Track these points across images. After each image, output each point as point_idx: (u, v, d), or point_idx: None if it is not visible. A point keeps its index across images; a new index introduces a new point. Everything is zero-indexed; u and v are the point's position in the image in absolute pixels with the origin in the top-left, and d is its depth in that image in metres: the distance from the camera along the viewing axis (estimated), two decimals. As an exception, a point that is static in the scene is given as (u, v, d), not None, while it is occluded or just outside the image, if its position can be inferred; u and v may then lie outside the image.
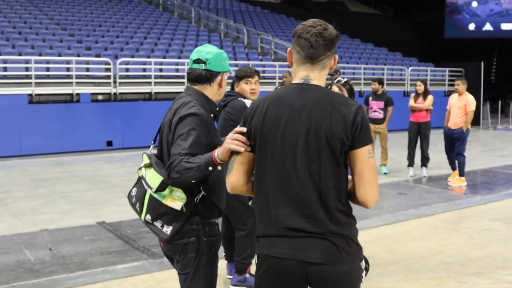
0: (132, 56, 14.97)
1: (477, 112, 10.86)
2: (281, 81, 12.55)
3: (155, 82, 14.11)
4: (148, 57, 15.11)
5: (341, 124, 2.04)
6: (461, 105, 8.81)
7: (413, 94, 9.82)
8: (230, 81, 4.67)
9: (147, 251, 5.40)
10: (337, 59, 2.24)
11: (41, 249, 5.48)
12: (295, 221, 2.07)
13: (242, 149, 2.19)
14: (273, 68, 16.67)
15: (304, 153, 2.07)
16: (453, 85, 9.35)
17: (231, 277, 4.57)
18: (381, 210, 7.02)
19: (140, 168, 2.72)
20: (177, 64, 15.07)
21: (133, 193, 2.82)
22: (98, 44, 15.50)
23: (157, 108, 12.92)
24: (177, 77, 14.82)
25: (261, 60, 17.95)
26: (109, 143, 13.09)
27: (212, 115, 2.78)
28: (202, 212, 2.68)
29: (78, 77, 13.14)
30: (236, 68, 4.68)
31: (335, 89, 4.29)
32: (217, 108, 2.90)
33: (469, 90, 9.11)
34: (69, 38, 15.65)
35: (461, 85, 8.86)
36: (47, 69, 13.05)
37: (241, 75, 4.37)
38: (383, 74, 18.69)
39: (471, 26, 30.26)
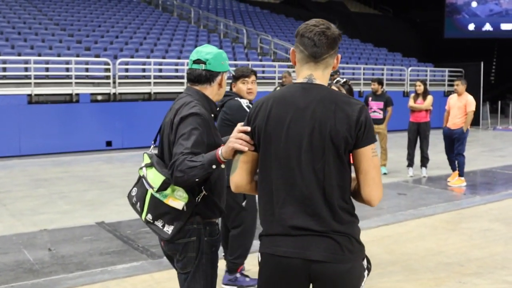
0: (132, 56, 14.97)
1: (476, 113, 10.87)
2: (280, 81, 12.55)
3: (154, 82, 14.11)
4: (148, 57, 15.11)
5: (345, 123, 2.06)
6: (461, 105, 8.81)
7: (412, 94, 9.81)
8: (230, 81, 4.68)
9: (146, 251, 5.40)
10: (340, 59, 2.25)
11: (41, 249, 5.48)
12: (299, 219, 2.08)
13: (246, 148, 2.20)
14: (272, 68, 16.66)
15: (309, 152, 2.08)
16: (452, 85, 9.35)
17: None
18: (380, 211, 7.01)
19: (141, 168, 2.72)
20: (176, 64, 15.07)
21: (133, 193, 2.82)
22: (97, 44, 15.50)
23: (156, 108, 12.93)
24: (177, 77, 14.82)
25: (260, 60, 17.95)
26: (109, 143, 13.09)
27: (212, 115, 2.79)
28: (203, 211, 2.69)
29: (77, 77, 13.14)
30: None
31: (334, 89, 4.29)
32: (217, 108, 2.91)
33: (468, 90, 9.10)
34: (68, 38, 15.65)
35: (460, 86, 8.86)
36: (47, 69, 13.05)
37: (238, 75, 4.39)
38: (382, 74, 18.69)
39: (471, 26, 30.29)
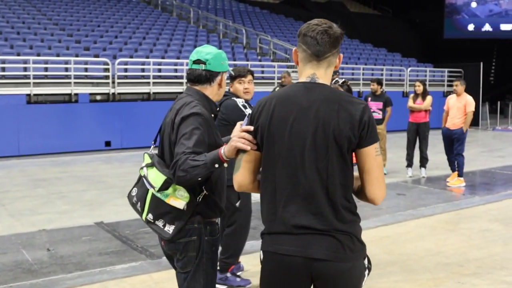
0: (131, 56, 14.96)
1: (476, 113, 10.86)
2: (279, 81, 12.54)
3: (153, 82, 14.11)
4: (147, 57, 15.10)
5: (349, 122, 2.07)
6: (461, 105, 8.81)
7: (412, 95, 9.82)
8: (228, 81, 4.68)
9: (145, 252, 5.39)
10: (342, 58, 2.26)
11: (39, 249, 5.47)
12: (302, 218, 2.10)
13: (249, 148, 2.21)
14: (272, 68, 16.66)
15: (312, 151, 2.09)
16: (452, 85, 9.35)
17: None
18: (379, 211, 7.01)
19: (142, 168, 2.72)
20: (175, 64, 15.07)
21: (134, 193, 2.83)
22: (96, 44, 15.49)
23: (155, 108, 12.94)
24: (176, 77, 14.82)
25: (260, 60, 17.95)
26: (108, 143, 13.08)
27: (212, 115, 2.80)
28: (204, 211, 2.69)
29: (76, 77, 13.13)
30: (236, 69, 4.70)
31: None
32: (217, 108, 2.92)
33: (468, 90, 9.11)
34: (67, 38, 15.64)
35: (459, 86, 8.86)
36: (46, 69, 13.04)
37: (235, 75, 4.41)
38: (382, 74, 18.68)
39: (470, 27, 30.31)
